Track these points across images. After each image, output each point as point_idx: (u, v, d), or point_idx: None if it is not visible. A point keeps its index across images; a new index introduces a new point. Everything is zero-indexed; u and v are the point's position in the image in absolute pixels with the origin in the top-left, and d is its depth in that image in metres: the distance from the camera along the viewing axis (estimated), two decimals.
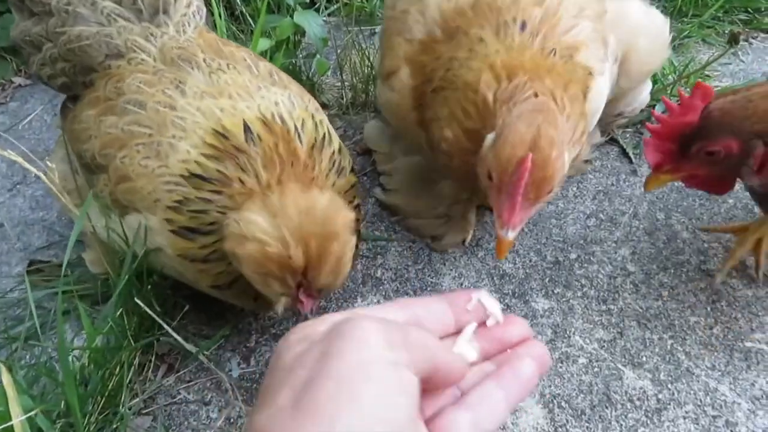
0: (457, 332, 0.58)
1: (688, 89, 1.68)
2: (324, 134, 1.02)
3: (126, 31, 1.05)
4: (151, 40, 1.06)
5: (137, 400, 1.09)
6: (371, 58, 1.71)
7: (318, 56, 1.71)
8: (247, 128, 0.95)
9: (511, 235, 0.93)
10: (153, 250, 0.99)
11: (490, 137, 0.97)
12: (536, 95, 0.97)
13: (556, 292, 1.27)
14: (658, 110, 1.12)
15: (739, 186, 1.46)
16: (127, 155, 0.97)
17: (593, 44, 1.14)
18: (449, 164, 1.13)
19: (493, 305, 0.59)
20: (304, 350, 0.48)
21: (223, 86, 1.00)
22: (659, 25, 1.38)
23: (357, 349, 0.47)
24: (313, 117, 1.03)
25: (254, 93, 1.00)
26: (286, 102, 1.02)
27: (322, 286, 0.88)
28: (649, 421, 1.06)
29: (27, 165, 1.01)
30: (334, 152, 1.03)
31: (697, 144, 0.94)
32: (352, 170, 1.07)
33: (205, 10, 1.16)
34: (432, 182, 1.43)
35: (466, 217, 1.38)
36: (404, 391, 0.48)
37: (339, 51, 1.77)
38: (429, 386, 0.52)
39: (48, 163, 1.06)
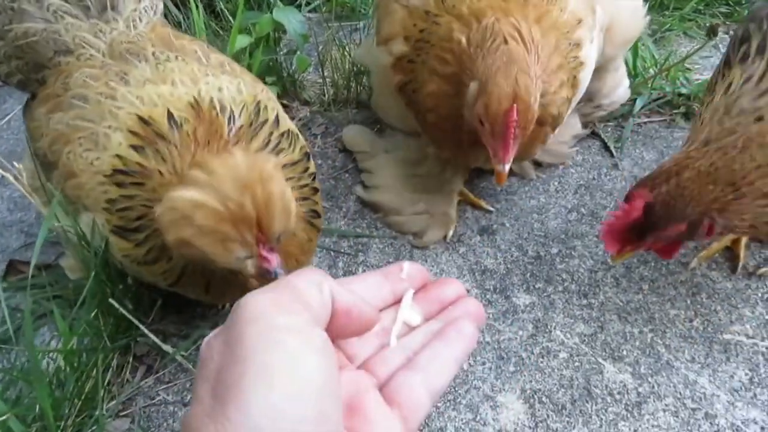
0: (397, 301, 0.61)
1: (667, 81, 1.69)
2: (267, 119, 1.00)
3: (74, 27, 1.04)
4: (99, 36, 1.05)
5: (115, 402, 1.08)
6: (352, 55, 1.70)
7: (299, 53, 1.69)
8: (170, 114, 0.92)
9: (507, 167, 1.11)
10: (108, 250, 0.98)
11: (473, 86, 1.09)
12: (505, 41, 1.07)
13: (537, 287, 1.27)
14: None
15: None
16: (72, 150, 0.95)
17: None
18: (434, 121, 1.23)
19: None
20: (214, 341, 0.48)
21: (167, 73, 0.98)
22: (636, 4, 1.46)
23: (253, 324, 0.46)
24: (258, 103, 1.01)
25: (200, 80, 0.98)
26: (231, 89, 1.00)
27: (279, 231, 0.83)
28: (629, 415, 1.07)
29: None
30: (272, 133, 0.99)
31: (650, 235, 1.01)
32: (307, 157, 1.04)
33: (161, 5, 1.15)
34: (413, 178, 1.43)
35: (447, 213, 1.38)
36: (313, 350, 0.47)
37: (320, 47, 1.76)
38: (348, 332, 0.54)
39: (15, 164, 1.05)
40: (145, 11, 1.10)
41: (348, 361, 0.57)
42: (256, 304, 0.48)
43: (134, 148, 0.91)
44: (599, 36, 1.31)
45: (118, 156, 0.91)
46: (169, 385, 1.12)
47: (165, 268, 0.93)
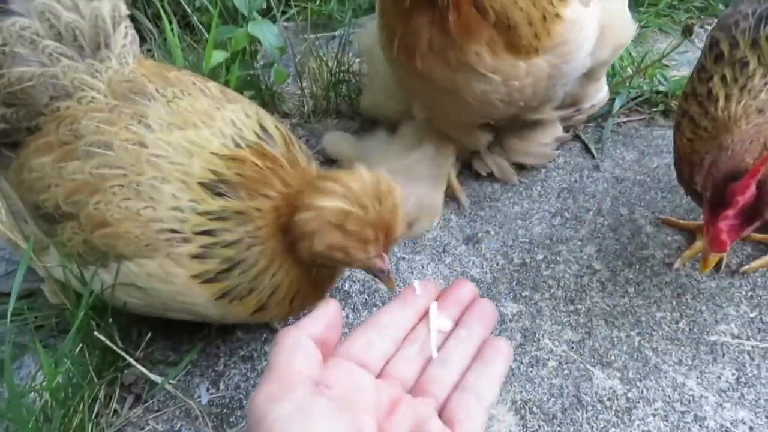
0: (422, 318, 0.70)
1: (645, 80, 1.70)
2: (284, 133, 1.07)
3: (71, 69, 1.01)
4: (97, 76, 1.02)
5: None
6: (330, 65, 1.69)
7: (276, 65, 1.68)
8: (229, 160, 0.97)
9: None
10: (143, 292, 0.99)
11: None
12: None
13: (524, 294, 1.27)
14: None
15: None
16: (101, 200, 0.94)
17: None
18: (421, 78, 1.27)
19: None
20: None
21: (185, 114, 0.99)
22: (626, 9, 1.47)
23: (260, 424, 0.54)
24: (264, 121, 1.06)
25: (215, 117, 1.01)
26: (241, 117, 1.04)
27: (399, 236, 0.94)
28: (619, 421, 1.07)
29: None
30: (295, 143, 1.08)
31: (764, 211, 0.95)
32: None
33: (137, 37, 1.13)
34: (402, 169, 1.44)
35: (434, 203, 1.43)
36: (319, 419, 0.54)
37: (297, 58, 1.75)
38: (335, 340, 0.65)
39: None
40: (130, 45, 1.09)
41: (400, 388, 0.63)
42: (256, 406, 0.54)
43: (202, 202, 0.94)
44: (594, 18, 1.31)
45: (196, 212, 0.94)
46: (159, 413, 1.11)
47: (258, 297, 0.99)
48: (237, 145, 0.98)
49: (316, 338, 0.61)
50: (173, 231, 0.93)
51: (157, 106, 0.99)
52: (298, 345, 0.59)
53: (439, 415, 0.61)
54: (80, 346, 1.03)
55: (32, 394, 1.04)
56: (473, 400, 0.61)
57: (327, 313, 0.63)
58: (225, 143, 0.98)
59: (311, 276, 1.01)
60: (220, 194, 0.94)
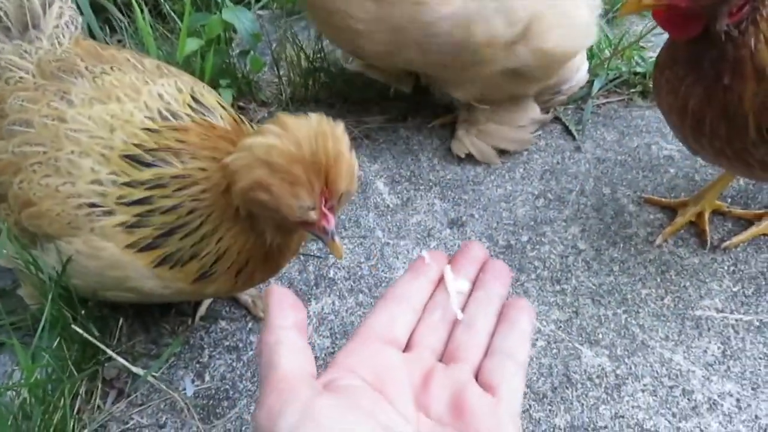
0: (437, 284, 0.66)
1: (623, 62, 1.71)
2: (229, 111, 1.03)
3: None
4: (26, 57, 1.00)
5: (86, 431, 1.03)
6: (308, 52, 1.67)
7: (252, 53, 1.65)
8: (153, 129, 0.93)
9: None
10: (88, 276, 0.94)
11: None
12: None
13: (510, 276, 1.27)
14: None
15: (680, 155, 1.49)
16: (24, 179, 0.91)
17: None
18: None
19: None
20: None
21: (109, 88, 0.96)
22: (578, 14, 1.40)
23: None
24: (200, 96, 1.02)
25: (141, 90, 0.97)
26: (171, 90, 1.00)
27: (343, 190, 0.83)
28: (609, 398, 1.07)
29: None
30: (245, 122, 1.05)
31: None
32: None
33: (80, 18, 1.10)
34: None
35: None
36: (325, 416, 0.50)
37: (273, 46, 1.72)
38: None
39: None
40: (67, 26, 1.06)
41: (430, 357, 0.60)
42: (259, 426, 0.50)
43: (147, 165, 0.90)
44: None
45: (126, 185, 0.89)
46: (143, 407, 1.08)
47: (200, 263, 0.92)
48: (164, 118, 0.95)
49: (292, 326, 0.56)
50: (93, 205, 0.90)
51: (82, 82, 0.97)
52: (282, 342, 0.54)
53: (477, 380, 0.58)
54: (58, 340, 0.99)
55: (10, 393, 1.01)
56: (508, 362, 0.59)
57: (283, 296, 0.58)
58: (150, 116, 0.94)
59: (264, 247, 0.95)
60: (149, 164, 0.90)
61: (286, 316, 0.56)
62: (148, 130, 0.93)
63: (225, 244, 0.92)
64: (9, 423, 0.90)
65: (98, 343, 0.99)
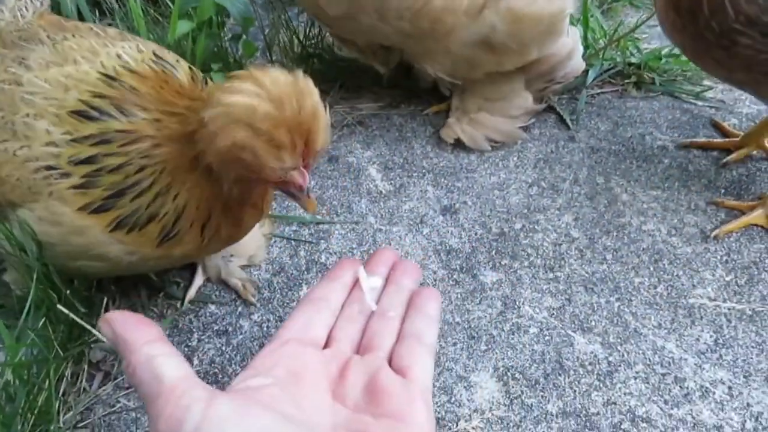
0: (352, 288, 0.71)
1: (617, 52, 1.70)
2: (194, 71, 1.01)
3: None
4: None
5: (72, 413, 1.01)
6: (301, 37, 1.65)
7: (244, 37, 1.63)
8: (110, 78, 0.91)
9: None
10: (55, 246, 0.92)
11: None
12: None
13: (503, 263, 1.26)
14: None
15: (673, 145, 1.49)
16: None
17: None
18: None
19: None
20: None
21: (67, 52, 0.94)
22: None
23: None
24: (162, 54, 1.00)
25: (99, 52, 0.95)
26: (131, 51, 0.97)
27: (320, 147, 0.81)
28: (601, 385, 1.07)
29: None
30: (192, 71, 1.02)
31: None
32: None
33: None
34: None
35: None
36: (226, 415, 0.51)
37: (267, 31, 1.70)
38: None
39: None
40: (31, 1, 1.04)
41: (348, 350, 0.63)
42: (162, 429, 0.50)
43: (93, 119, 0.87)
44: None
45: (74, 142, 0.86)
46: (130, 390, 1.06)
47: (160, 225, 0.89)
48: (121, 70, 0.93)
49: (155, 339, 0.56)
50: (50, 168, 0.87)
51: (42, 49, 0.95)
52: (156, 356, 0.53)
53: (390, 365, 0.61)
54: (43, 321, 0.97)
55: None
56: (417, 344, 0.62)
57: (125, 318, 0.57)
58: (106, 72, 0.92)
59: (222, 197, 0.91)
60: (95, 118, 0.87)
61: (142, 333, 0.55)
62: (105, 76, 0.90)
63: (182, 200, 0.89)
64: None
65: (84, 324, 0.97)
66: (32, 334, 0.92)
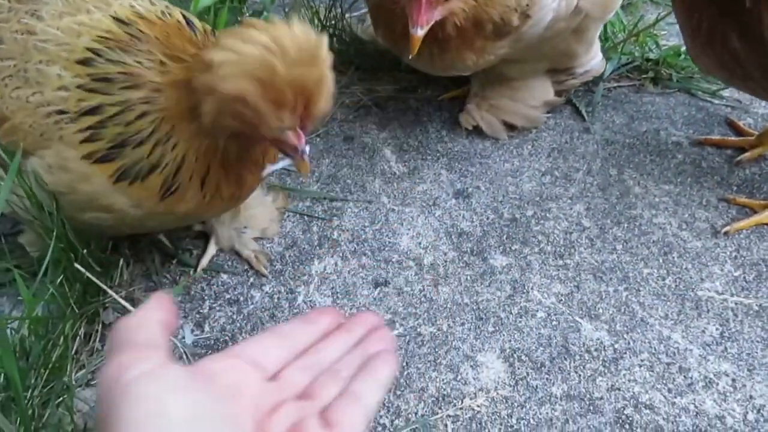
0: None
1: (636, 47, 1.70)
2: (205, 26, 1.02)
3: None
4: None
5: (84, 371, 1.03)
6: (322, 16, 1.65)
7: (265, 13, 1.63)
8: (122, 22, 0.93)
9: (420, 31, 1.13)
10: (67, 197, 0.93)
11: None
12: None
13: (513, 248, 1.27)
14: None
15: (688, 141, 1.49)
16: None
17: None
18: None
19: None
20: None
21: (80, 4, 0.95)
22: None
23: (112, 389, 0.48)
24: (172, 9, 1.01)
25: (112, 3, 0.96)
26: (143, 2, 0.99)
27: (320, 109, 0.81)
28: (606, 370, 1.08)
29: None
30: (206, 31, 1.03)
31: None
32: None
33: None
34: None
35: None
36: (171, 390, 0.49)
37: (287, 9, 1.70)
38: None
39: None
40: None
41: (290, 393, 0.60)
42: (107, 378, 0.48)
43: (98, 63, 0.89)
44: None
45: (85, 89, 0.88)
46: None
47: (161, 176, 0.90)
48: (133, 14, 0.94)
49: (157, 320, 0.56)
50: (60, 112, 0.89)
51: (55, 1, 0.97)
52: (142, 324, 0.54)
53: (323, 417, 0.59)
54: (60, 278, 0.99)
55: (8, 331, 1.00)
56: (355, 403, 0.60)
57: (160, 300, 0.58)
58: (118, 18, 0.93)
59: (217, 150, 0.92)
60: (101, 61, 0.89)
61: (154, 310, 0.57)
62: (117, 20, 0.92)
63: (181, 151, 0.89)
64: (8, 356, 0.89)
65: (100, 283, 0.99)
66: (51, 288, 0.94)
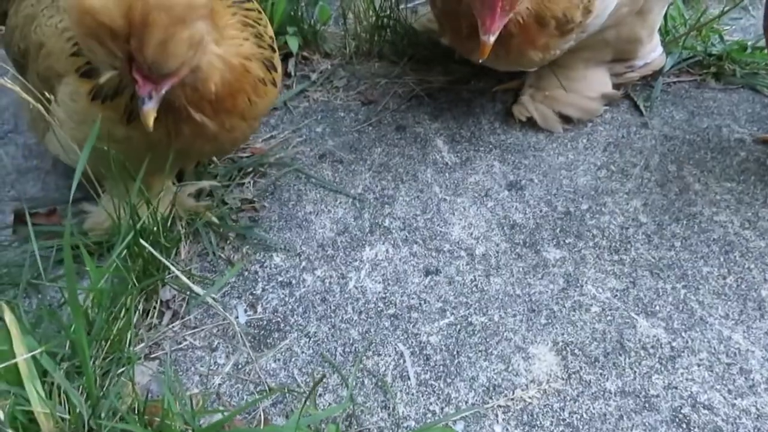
0: None
1: (698, 41, 1.65)
2: None
3: None
4: None
5: (143, 345, 1.06)
6: (377, 7, 1.65)
7: (320, 2, 1.65)
8: None
9: (491, 38, 1.14)
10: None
11: None
12: None
13: (567, 242, 1.25)
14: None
15: (751, 139, 1.44)
16: (38, 23, 1.01)
17: None
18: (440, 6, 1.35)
19: None
20: None
21: None
22: None
23: None
24: None
25: None
26: None
27: (150, 59, 0.82)
28: (663, 368, 1.05)
29: (24, 94, 0.96)
30: None
31: None
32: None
33: None
34: None
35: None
36: None
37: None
38: None
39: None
40: None
41: None
42: None
43: None
44: None
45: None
46: (196, 330, 1.10)
47: (123, 99, 0.95)
48: None
49: None
50: (72, 36, 0.96)
51: None
52: None
53: None
54: (124, 253, 1.01)
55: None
56: None
57: None
58: None
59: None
60: None
61: None
62: None
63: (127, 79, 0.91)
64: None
65: (163, 259, 1.01)
66: (117, 261, 0.96)
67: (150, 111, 0.85)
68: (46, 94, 1.00)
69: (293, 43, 1.63)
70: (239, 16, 1.01)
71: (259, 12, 1.10)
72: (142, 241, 0.99)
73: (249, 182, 1.37)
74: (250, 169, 1.38)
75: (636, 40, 1.43)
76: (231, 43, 0.97)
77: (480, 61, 1.19)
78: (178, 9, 0.81)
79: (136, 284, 1.03)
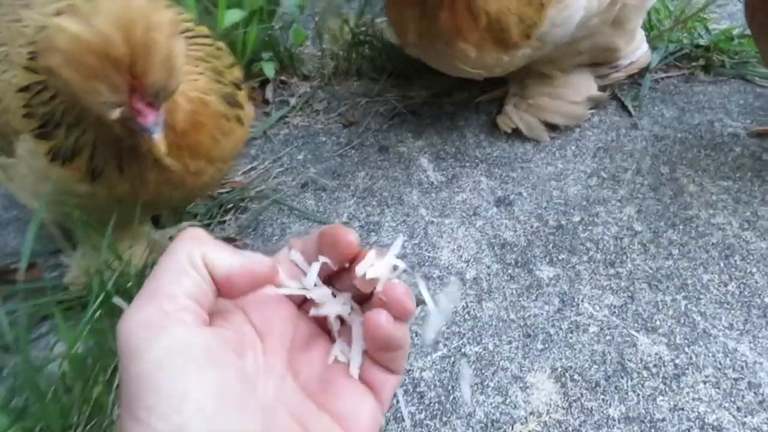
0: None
1: (684, 33, 1.60)
2: None
3: None
4: None
5: None
6: (351, 24, 1.62)
7: (295, 25, 1.61)
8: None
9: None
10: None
11: None
12: None
13: (560, 258, 1.21)
14: None
15: (746, 132, 1.39)
16: None
17: None
18: None
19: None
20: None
21: None
22: None
23: (134, 361, 0.42)
24: None
25: None
26: None
27: (155, 83, 0.75)
28: (667, 389, 1.01)
29: None
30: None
31: None
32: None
33: None
34: None
35: None
36: (197, 366, 0.41)
37: (317, 18, 1.67)
38: (237, 293, 0.48)
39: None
40: None
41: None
42: (128, 335, 0.43)
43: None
44: None
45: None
46: None
47: (83, 159, 0.89)
48: None
49: (222, 279, 0.47)
50: (20, 90, 0.91)
51: None
52: (185, 267, 0.46)
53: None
54: (98, 312, 0.98)
55: (51, 366, 1.00)
56: (392, 376, 0.54)
57: (251, 256, 0.49)
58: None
59: (116, 136, 0.87)
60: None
61: (224, 258, 0.47)
62: None
63: (91, 136, 0.88)
64: (48, 397, 0.89)
65: None
66: (89, 325, 0.93)
67: (161, 140, 0.80)
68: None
69: (269, 69, 1.59)
70: (192, 50, 0.96)
71: (219, 48, 1.06)
72: (115, 300, 0.95)
73: (230, 219, 1.33)
74: (231, 205, 1.35)
75: (614, 49, 1.38)
76: (185, 78, 0.93)
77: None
78: (168, 21, 0.77)
79: (114, 347, 0.99)
